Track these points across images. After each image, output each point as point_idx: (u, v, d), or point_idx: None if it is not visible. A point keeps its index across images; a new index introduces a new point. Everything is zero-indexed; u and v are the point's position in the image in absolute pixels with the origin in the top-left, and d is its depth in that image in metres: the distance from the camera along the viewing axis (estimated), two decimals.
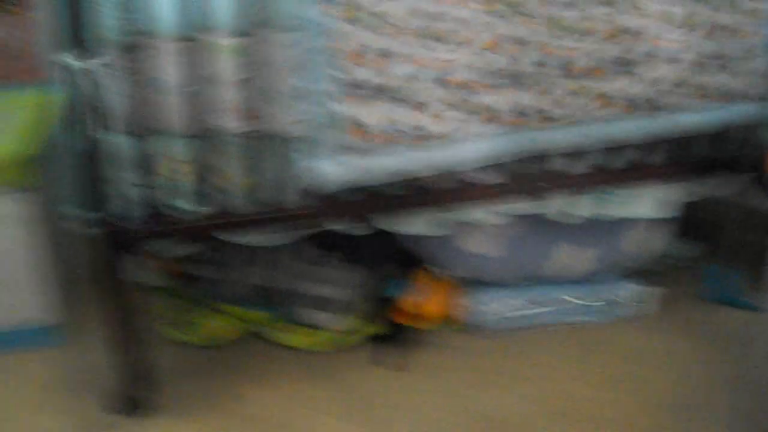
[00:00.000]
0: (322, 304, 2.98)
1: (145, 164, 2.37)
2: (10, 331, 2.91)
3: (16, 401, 2.69)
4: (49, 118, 3.21)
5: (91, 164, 2.31)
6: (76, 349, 2.96)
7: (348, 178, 2.51)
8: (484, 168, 2.70)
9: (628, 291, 3.13)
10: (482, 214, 2.80)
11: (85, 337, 3.01)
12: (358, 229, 2.75)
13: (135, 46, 2.26)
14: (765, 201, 3.25)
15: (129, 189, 2.43)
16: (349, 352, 2.98)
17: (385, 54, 2.39)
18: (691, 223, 3.62)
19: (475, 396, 2.76)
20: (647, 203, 2.92)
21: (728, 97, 2.78)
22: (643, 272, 3.37)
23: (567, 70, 2.57)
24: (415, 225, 2.78)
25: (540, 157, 2.73)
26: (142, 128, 2.33)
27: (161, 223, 2.45)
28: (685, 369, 2.85)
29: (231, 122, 2.40)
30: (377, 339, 3.02)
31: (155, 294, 3.22)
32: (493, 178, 2.70)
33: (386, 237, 3.09)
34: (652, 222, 3.08)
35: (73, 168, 2.35)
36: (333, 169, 2.48)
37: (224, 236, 2.59)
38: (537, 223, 2.97)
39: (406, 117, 2.47)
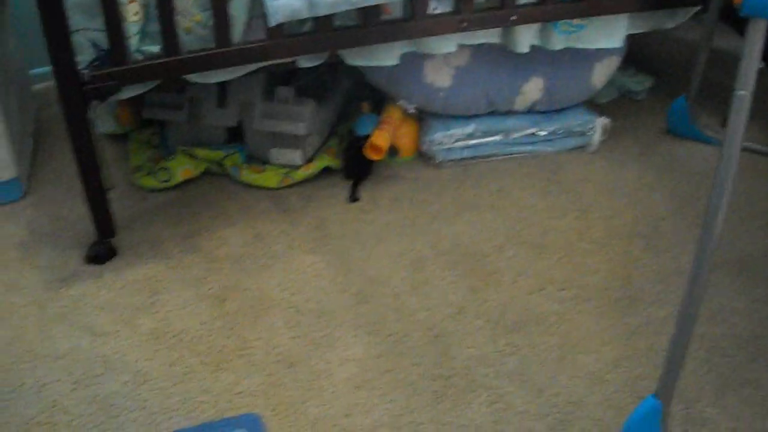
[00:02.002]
0: (286, 140, 2.96)
1: (106, 9, 2.31)
2: None
3: None
4: None
5: (51, 13, 2.25)
6: (41, 201, 2.93)
7: (308, 11, 2.48)
8: None
9: (585, 122, 3.14)
10: (445, 44, 2.78)
11: (48, 190, 2.99)
12: (317, 63, 2.73)
13: None
14: (730, 39, 3.27)
15: (91, 36, 2.39)
16: (314, 187, 3.00)
17: None
18: (648, 57, 3.65)
19: (440, 226, 2.80)
20: (609, 34, 2.91)
21: None
22: (601, 104, 3.40)
23: None
24: (375, 58, 2.76)
25: None
26: None
27: (124, 66, 2.41)
28: (648, 200, 2.90)
29: None
30: (341, 173, 3.04)
31: (124, 142, 3.20)
32: (455, 9, 2.70)
33: (350, 72, 3.07)
34: (612, 53, 3.08)
35: (35, 17, 2.29)
36: (292, 1, 2.45)
37: (189, 76, 2.55)
38: (502, 54, 2.96)
39: None
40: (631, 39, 3.05)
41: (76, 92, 2.37)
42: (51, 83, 2.41)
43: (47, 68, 2.33)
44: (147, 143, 3.16)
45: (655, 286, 2.51)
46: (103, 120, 3.18)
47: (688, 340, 1.81)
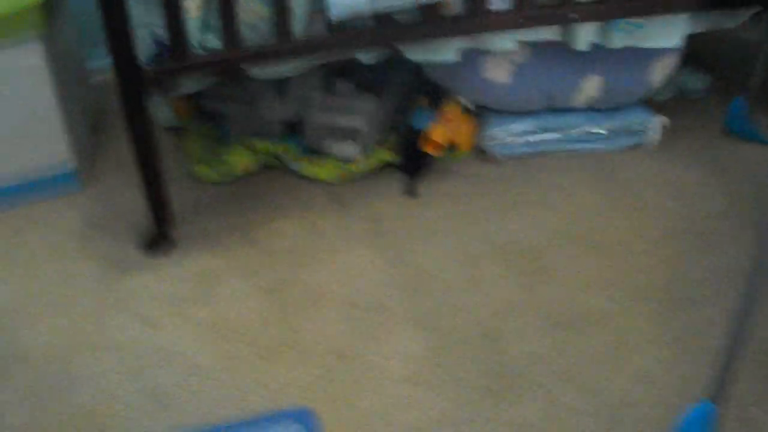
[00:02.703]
0: (344, 134, 2.98)
1: (167, 3, 2.32)
2: (34, 179, 2.89)
3: (47, 249, 2.72)
4: None
5: (112, 6, 2.27)
6: (99, 193, 2.97)
7: (369, 6, 2.48)
8: None
9: (643, 120, 3.12)
10: (505, 42, 2.78)
11: (106, 182, 3.02)
12: (378, 59, 2.74)
13: None
14: None
15: (152, 28, 2.41)
16: (370, 181, 3.00)
17: None
18: (706, 55, 3.61)
19: (495, 221, 2.79)
20: (668, 33, 2.89)
21: None
22: (658, 102, 3.37)
23: None
24: (435, 53, 2.76)
25: None
26: None
27: (185, 60, 2.43)
28: (704, 199, 2.88)
29: None
30: (398, 168, 3.04)
31: (181, 133, 3.22)
32: (515, 6, 2.69)
33: (408, 67, 3.07)
34: (671, 51, 3.06)
35: (93, 11, 2.31)
36: None
37: (249, 70, 2.57)
38: (562, 52, 2.95)
39: None
40: (689, 37, 3.01)
41: (135, 87, 2.39)
42: (110, 75, 2.43)
43: (106, 60, 2.35)
44: (205, 135, 3.17)
45: (710, 286, 2.50)
46: (161, 112, 3.20)
47: (744, 344, 1.80)
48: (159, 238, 2.66)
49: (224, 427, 2.08)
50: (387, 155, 3.03)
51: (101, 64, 3.28)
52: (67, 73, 2.96)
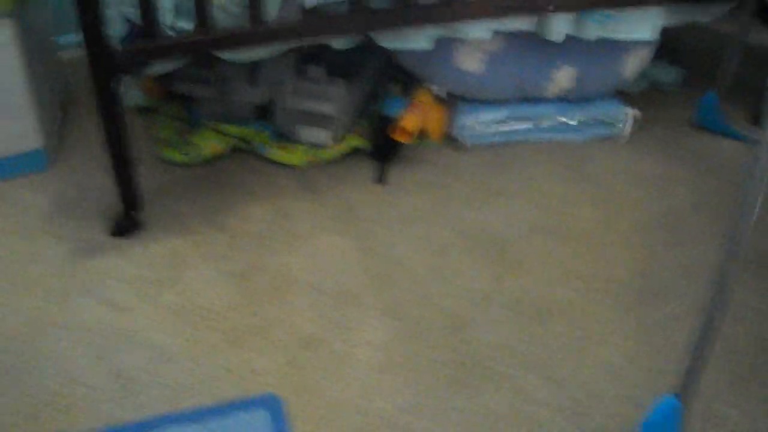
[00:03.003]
0: (315, 119, 2.97)
1: None
2: (0, 158, 2.86)
3: (13, 229, 2.69)
4: None
5: None
6: (66, 173, 2.94)
7: None
8: None
9: (615, 112, 3.13)
10: (478, 30, 2.77)
11: (74, 161, 3.00)
12: (351, 45, 2.73)
13: None
14: (765, 35, 3.25)
15: (124, 10, 2.39)
16: (340, 167, 2.99)
17: None
18: (680, 49, 3.61)
19: (465, 211, 2.79)
20: (643, 26, 2.90)
21: None
22: (630, 94, 3.37)
23: None
24: (408, 41, 2.75)
25: None
26: None
27: (156, 41, 2.41)
28: (674, 193, 2.89)
29: None
30: (369, 155, 3.03)
31: (151, 116, 3.20)
32: None
33: (380, 53, 3.06)
34: (645, 44, 3.06)
35: None
36: None
37: (219, 53, 2.55)
38: (535, 42, 2.94)
39: None
40: (663, 30, 3.02)
41: (106, 66, 2.36)
42: (79, 52, 2.41)
43: (77, 39, 2.33)
44: (175, 117, 3.16)
45: (677, 280, 2.50)
46: (130, 92, 3.18)
47: (712, 342, 1.80)
48: (126, 219, 2.63)
49: (190, 413, 2.08)
50: (358, 142, 3.02)
51: (72, 42, 3.26)
52: (37, 51, 2.93)
